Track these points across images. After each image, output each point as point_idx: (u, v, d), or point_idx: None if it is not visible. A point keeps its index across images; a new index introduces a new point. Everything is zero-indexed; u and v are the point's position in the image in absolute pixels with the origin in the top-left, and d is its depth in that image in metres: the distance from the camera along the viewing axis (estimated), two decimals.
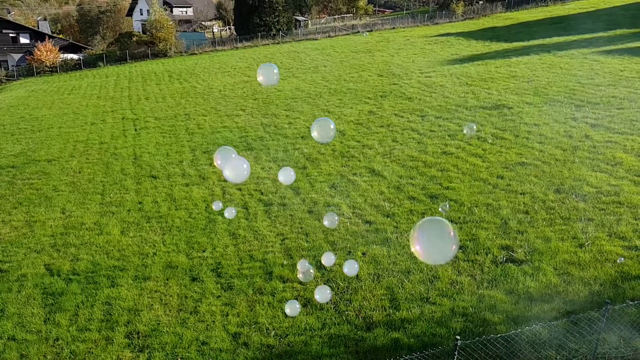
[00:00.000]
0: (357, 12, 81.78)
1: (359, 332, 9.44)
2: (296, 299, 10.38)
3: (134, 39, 63.53)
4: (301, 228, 13.72)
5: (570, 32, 39.86)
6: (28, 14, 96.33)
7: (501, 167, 16.14)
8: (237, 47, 59.34)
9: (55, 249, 13.98)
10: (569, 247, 11.28)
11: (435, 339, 8.98)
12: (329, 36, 59.99)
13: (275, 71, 5.16)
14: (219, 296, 11.01)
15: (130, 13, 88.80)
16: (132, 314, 10.67)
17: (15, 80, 54.43)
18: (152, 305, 10.90)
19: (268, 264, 12.08)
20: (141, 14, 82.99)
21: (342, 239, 12.78)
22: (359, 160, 18.38)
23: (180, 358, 9.25)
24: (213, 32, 77.56)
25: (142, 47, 60.10)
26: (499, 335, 8.22)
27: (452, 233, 3.59)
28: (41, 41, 58.88)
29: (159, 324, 10.25)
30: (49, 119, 31.26)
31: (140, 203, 16.73)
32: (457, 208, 13.71)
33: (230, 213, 9.14)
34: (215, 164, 5.36)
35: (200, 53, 58.63)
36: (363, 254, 12.04)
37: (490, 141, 18.45)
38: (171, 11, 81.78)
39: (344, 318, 9.83)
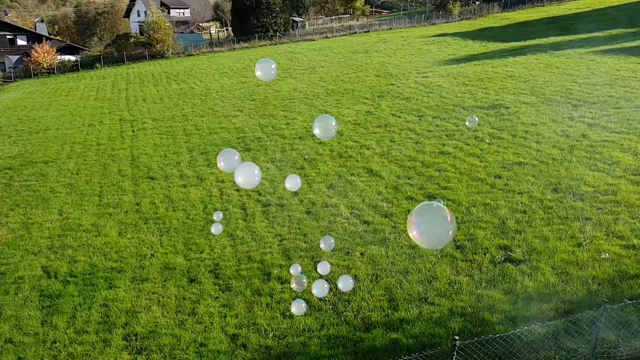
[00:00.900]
0: (354, 13, 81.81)
1: (357, 332, 9.42)
2: (294, 300, 10.35)
3: (132, 40, 63.50)
4: (299, 229, 13.71)
5: (566, 32, 39.95)
6: (25, 16, 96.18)
7: (499, 166, 16.15)
8: (235, 48, 59.32)
9: (53, 250, 13.93)
10: (566, 246, 11.29)
11: (433, 340, 8.97)
12: (326, 37, 60.00)
13: (273, 66, 5.26)
14: (217, 297, 10.99)
15: (127, 14, 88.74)
16: (130, 315, 10.63)
17: (12, 82, 54.31)
18: (150, 307, 10.87)
19: (266, 265, 12.06)
20: (138, 16, 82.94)
21: (340, 240, 12.77)
22: (357, 161, 18.38)
23: None
24: (210, 34, 77.51)
25: (140, 48, 60.05)
26: (497, 335, 8.21)
27: (449, 217, 3.61)
28: (38, 43, 58.79)
29: (156, 325, 10.22)
30: (46, 121, 31.19)
31: (137, 204, 16.70)
32: (455, 208, 13.71)
33: (217, 229, 9.26)
34: (218, 166, 5.43)
35: (197, 54, 58.59)
36: (361, 254, 12.03)
37: (487, 141, 18.47)
38: (168, 12, 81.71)
39: (343, 319, 9.82)
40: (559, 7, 57.16)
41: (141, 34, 68.59)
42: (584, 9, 51.65)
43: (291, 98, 29.79)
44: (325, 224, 13.77)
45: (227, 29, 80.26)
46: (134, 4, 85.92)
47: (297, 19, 72.88)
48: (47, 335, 10.25)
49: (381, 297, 10.34)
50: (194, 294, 11.21)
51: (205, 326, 10.06)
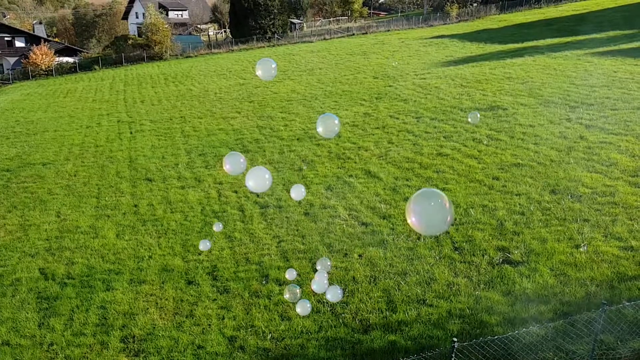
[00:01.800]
0: (352, 15, 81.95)
1: (355, 334, 9.40)
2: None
3: (130, 42, 63.47)
4: (297, 230, 13.69)
5: (563, 34, 40.05)
6: (23, 18, 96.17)
7: (497, 168, 16.16)
8: (233, 50, 59.35)
9: (50, 252, 13.89)
10: (565, 247, 11.29)
11: (432, 341, 8.95)
12: (324, 39, 60.07)
13: (273, 66, 5.42)
14: (215, 299, 10.96)
15: (125, 16, 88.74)
16: (128, 317, 10.60)
17: (10, 83, 54.23)
18: (148, 309, 10.83)
19: (264, 266, 12.04)
20: (137, 17, 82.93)
21: (338, 241, 12.75)
22: (355, 162, 18.37)
23: None
24: (209, 35, 77.52)
25: (138, 50, 60.05)
26: (496, 337, 8.20)
27: (447, 204, 3.65)
28: (37, 44, 58.74)
29: (154, 327, 10.19)
30: (44, 122, 31.14)
31: (135, 206, 16.66)
32: (453, 209, 13.69)
33: (204, 245, 9.74)
34: (224, 168, 5.60)
35: (195, 56, 58.61)
36: (359, 255, 12.02)
37: (485, 142, 18.48)
38: (167, 14, 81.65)
39: (341, 321, 9.80)
40: (556, 9, 57.34)
41: (139, 35, 68.61)
42: (581, 11, 51.81)
43: (289, 100, 29.79)
44: (324, 225, 13.75)
45: (225, 31, 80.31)
46: (133, 6, 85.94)
47: (295, 20, 72.99)
48: (44, 337, 10.21)
49: (379, 299, 10.33)
50: (191, 295, 11.18)
51: (203, 328, 10.03)
